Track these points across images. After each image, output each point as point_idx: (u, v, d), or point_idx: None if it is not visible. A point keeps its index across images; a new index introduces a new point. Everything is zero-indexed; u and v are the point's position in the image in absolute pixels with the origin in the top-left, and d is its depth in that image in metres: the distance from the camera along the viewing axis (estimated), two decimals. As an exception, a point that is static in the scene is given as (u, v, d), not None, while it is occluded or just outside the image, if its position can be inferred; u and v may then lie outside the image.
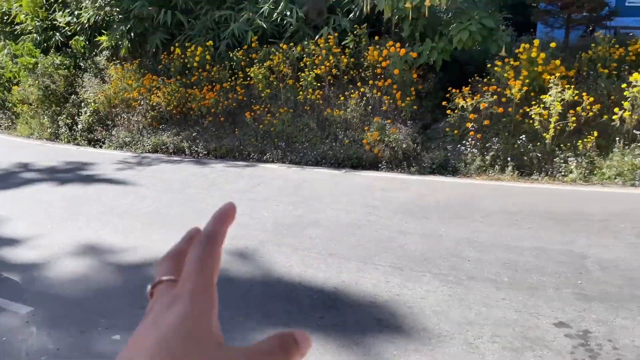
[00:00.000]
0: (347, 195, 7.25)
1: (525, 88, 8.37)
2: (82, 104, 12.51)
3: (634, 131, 7.80)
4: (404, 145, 8.85)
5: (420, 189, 7.55)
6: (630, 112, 7.75)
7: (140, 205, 7.15)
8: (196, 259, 0.42)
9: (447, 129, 9.07)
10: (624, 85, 7.98)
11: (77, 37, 13.89)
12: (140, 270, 5.12)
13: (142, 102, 11.50)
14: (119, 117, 11.85)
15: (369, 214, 6.45)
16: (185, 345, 0.37)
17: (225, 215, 0.45)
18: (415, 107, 9.49)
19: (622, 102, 7.88)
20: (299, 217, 6.41)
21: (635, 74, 7.85)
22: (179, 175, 8.80)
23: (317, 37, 10.62)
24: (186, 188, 7.92)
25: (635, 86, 7.77)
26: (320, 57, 10.21)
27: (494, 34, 9.30)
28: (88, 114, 12.15)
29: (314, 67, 10.23)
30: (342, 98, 9.92)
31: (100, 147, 11.74)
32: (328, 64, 10.15)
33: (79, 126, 12.29)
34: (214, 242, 0.44)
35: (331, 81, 10.36)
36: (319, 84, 10.21)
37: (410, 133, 9.11)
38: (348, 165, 9.05)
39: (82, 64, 13.61)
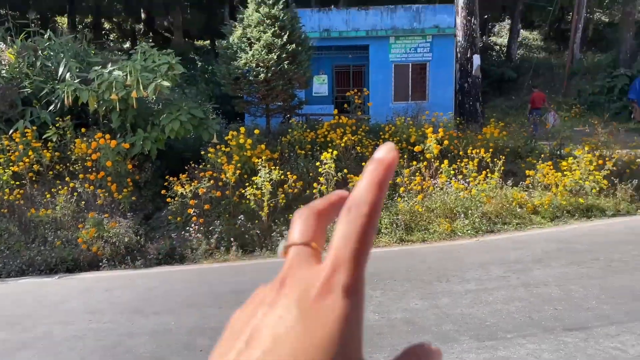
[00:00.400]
0: (63, 304, 6.40)
1: (238, 171, 8.98)
2: None
3: (331, 201, 9.05)
4: (126, 239, 8.39)
5: (148, 282, 7.18)
6: (325, 186, 9.02)
7: None
8: (350, 239, 0.34)
9: (170, 217, 8.99)
10: (317, 164, 9.29)
11: None
12: None
13: None
14: None
15: (90, 321, 5.79)
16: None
17: (385, 172, 0.35)
18: (134, 197, 9.18)
19: (319, 177, 9.14)
20: (1, 343, 5.33)
21: (325, 153, 9.24)
22: None
23: (11, 131, 9.47)
24: None
25: (326, 163, 9.12)
26: (17, 153, 9.09)
27: (205, 123, 9.83)
28: None
29: (10, 164, 9.04)
30: (48, 196, 8.94)
31: None
32: (27, 160, 9.10)
33: None
34: (370, 217, 0.34)
35: (34, 178, 9.28)
36: (18, 183, 9.02)
37: (131, 225, 8.71)
38: (62, 270, 8.05)
39: None
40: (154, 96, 9.56)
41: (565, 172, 9.59)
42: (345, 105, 12.84)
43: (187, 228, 8.53)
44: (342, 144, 10.10)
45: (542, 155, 10.98)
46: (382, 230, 8.63)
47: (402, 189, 9.21)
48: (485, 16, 26.35)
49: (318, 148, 10.03)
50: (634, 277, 6.24)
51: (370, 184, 0.36)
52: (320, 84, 17.90)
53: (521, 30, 29.15)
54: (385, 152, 0.37)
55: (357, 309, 0.33)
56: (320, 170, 9.16)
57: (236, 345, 0.34)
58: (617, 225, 8.84)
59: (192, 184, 8.82)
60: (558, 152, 11.70)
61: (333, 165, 9.11)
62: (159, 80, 9.01)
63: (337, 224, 0.36)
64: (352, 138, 10.31)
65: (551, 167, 9.83)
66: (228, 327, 0.37)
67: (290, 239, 0.39)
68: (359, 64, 17.97)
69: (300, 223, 0.39)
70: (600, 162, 9.84)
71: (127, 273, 7.83)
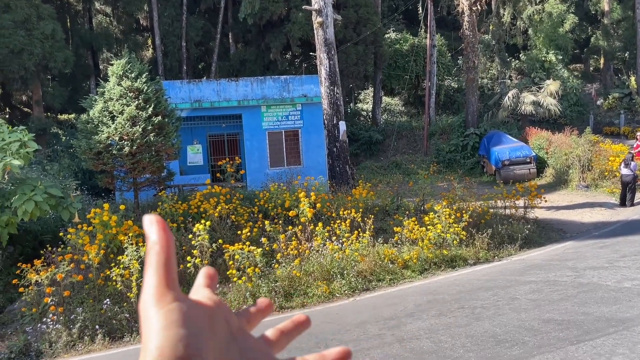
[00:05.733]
0: None
1: (102, 251, 8.39)
2: None
3: (207, 274, 8.75)
4: (-31, 341, 7.32)
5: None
6: (200, 259, 8.73)
7: None
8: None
9: (23, 309, 8.05)
10: (190, 236, 9.00)
11: None
12: None
13: None
14: None
15: None
16: None
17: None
18: (-21, 291, 8.12)
19: (192, 250, 8.84)
20: None
21: (198, 225, 9.00)
22: None
23: None
24: None
25: (199, 235, 8.87)
26: None
27: (64, 201, 9.15)
28: None
29: None
30: None
31: None
32: None
33: None
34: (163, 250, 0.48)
35: None
36: None
37: (-25, 324, 7.65)
38: None
39: None
40: (4, 177, 8.75)
41: (428, 227, 10.27)
42: (218, 175, 12.76)
43: (45, 319, 7.68)
44: (217, 214, 9.94)
45: (407, 212, 11.69)
46: (261, 300, 8.46)
47: (278, 255, 9.20)
48: (350, 85, 28.29)
49: (191, 220, 9.76)
50: (494, 322, 6.72)
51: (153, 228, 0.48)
52: (195, 154, 17.71)
53: (383, 96, 31.67)
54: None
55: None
56: (193, 242, 8.87)
57: None
58: (478, 273, 9.57)
59: (49, 269, 8.05)
60: (421, 208, 12.56)
61: (207, 236, 8.89)
62: (9, 160, 8.29)
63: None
64: (227, 207, 10.20)
65: (416, 222, 10.49)
66: None
67: None
68: (233, 132, 18.15)
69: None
70: (458, 214, 10.71)
71: (-32, 381, 6.78)
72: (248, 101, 16.54)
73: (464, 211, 11.01)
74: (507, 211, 12.41)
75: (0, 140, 8.81)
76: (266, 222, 9.88)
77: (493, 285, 8.52)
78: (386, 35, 30.06)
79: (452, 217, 10.48)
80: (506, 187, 14.02)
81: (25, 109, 26.56)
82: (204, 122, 17.37)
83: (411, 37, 30.81)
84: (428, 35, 25.66)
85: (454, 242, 10.13)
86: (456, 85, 32.14)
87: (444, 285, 9.00)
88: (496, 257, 10.51)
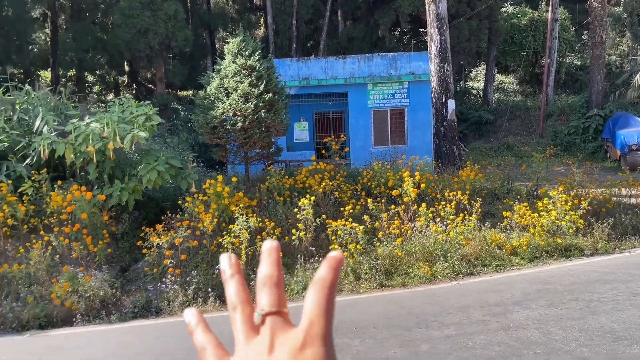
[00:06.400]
0: (31, 365, 6.18)
1: (215, 220, 8.92)
2: None
3: (310, 247, 9.02)
4: (101, 293, 8.19)
5: (122, 338, 6.99)
6: (304, 232, 8.99)
7: None
8: (319, 304, 0.48)
9: (146, 269, 8.84)
10: (295, 210, 9.28)
11: None
12: None
13: None
14: None
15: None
16: None
17: (337, 262, 0.50)
18: (109, 250, 9.05)
19: (297, 224, 9.12)
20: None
21: (303, 199, 9.25)
22: None
23: (-15, 185, 9.38)
24: None
25: (304, 209, 9.12)
26: (-10, 208, 8.98)
27: (183, 172, 9.84)
28: None
29: (-16, 219, 8.90)
30: (22, 250, 8.77)
31: None
32: (1, 214, 8.97)
33: None
34: (331, 289, 0.49)
35: (7, 233, 9.13)
36: (-9, 238, 8.86)
37: (107, 278, 8.51)
38: (34, 327, 7.81)
39: None
40: (132, 147, 9.59)
41: (541, 213, 9.68)
42: (323, 151, 12.95)
43: (164, 279, 8.38)
44: (321, 190, 10.13)
45: (519, 197, 11.10)
46: (362, 276, 8.56)
47: (380, 233, 9.20)
48: (461, 62, 27.17)
49: (297, 194, 10.05)
50: (612, 318, 6.23)
51: (330, 267, 0.51)
52: (301, 131, 18.13)
53: (496, 74, 30.05)
54: (337, 253, 0.52)
55: (331, 355, 0.47)
56: (298, 216, 9.15)
57: None
58: (595, 265, 8.88)
59: (169, 234, 8.74)
60: (534, 193, 11.85)
61: (311, 211, 9.11)
62: (136, 131, 9.06)
63: (307, 294, 0.50)
64: (331, 183, 10.36)
65: (527, 207, 9.93)
66: None
67: (267, 308, 0.51)
68: (339, 110, 18.28)
69: (269, 292, 0.51)
70: (576, 201, 9.97)
71: (100, 329, 7.61)
72: (354, 79, 16.52)
73: (582, 198, 10.23)
74: (633, 200, 11.33)
75: (129, 113, 9.64)
76: (369, 200, 9.90)
77: (612, 279, 7.87)
78: (502, 9, 28.36)
79: (569, 203, 9.78)
80: (632, 174, 12.76)
81: (150, 86, 28.73)
82: (310, 100, 17.67)
83: (530, 11, 28.77)
84: (550, 8, 23.78)
85: (570, 230, 9.47)
86: (579, 63, 29.61)
87: (556, 275, 8.47)
88: (617, 249, 9.68)
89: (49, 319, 7.93)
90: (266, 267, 0.53)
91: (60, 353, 6.55)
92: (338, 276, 0.50)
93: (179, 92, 30.86)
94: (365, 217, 9.40)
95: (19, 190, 9.36)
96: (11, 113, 10.52)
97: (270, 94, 10.06)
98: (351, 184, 11.03)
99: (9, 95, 10.84)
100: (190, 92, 29.26)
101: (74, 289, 8.13)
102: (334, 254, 0.52)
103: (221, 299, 8.20)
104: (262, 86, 9.96)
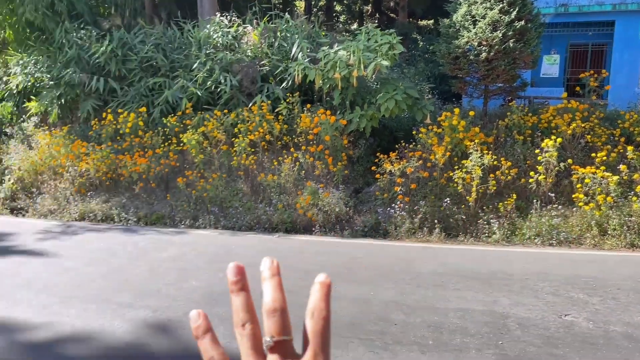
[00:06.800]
0: (280, 260, 7.15)
1: (448, 153, 8.80)
2: (6, 171, 11.96)
3: (549, 193, 8.30)
4: (337, 209, 8.97)
5: (352, 252, 7.60)
6: (544, 176, 8.28)
7: (60, 278, 6.76)
8: (321, 335, 0.52)
9: (377, 193, 9.31)
10: (537, 151, 8.55)
11: (3, 103, 13.47)
12: (52, 347, 4.76)
13: (69, 169, 11.14)
14: (45, 185, 11.38)
15: (300, 279, 6.38)
16: None
17: (328, 289, 0.54)
18: (346, 171, 9.73)
19: (537, 166, 8.43)
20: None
21: (547, 140, 8.45)
22: (105, 244, 8.45)
23: (250, 104, 10.84)
24: (111, 258, 7.59)
25: (547, 151, 8.35)
26: (253, 124, 10.38)
27: (419, 103, 9.84)
28: (12, 181, 11.61)
29: (248, 133, 10.37)
30: (275, 163, 10.04)
31: (23, 215, 11.15)
32: (262, 130, 10.32)
33: (0, 194, 11.67)
34: (328, 319, 0.53)
35: (265, 147, 10.50)
36: (252, 150, 10.31)
37: (342, 197, 9.26)
38: (282, 230, 9.03)
39: (7, 131, 13.14)
40: (373, 76, 9.91)
41: None
42: (577, 88, 11.46)
43: (393, 205, 8.73)
44: (569, 131, 9.09)
45: None
46: (609, 232, 7.61)
47: (638, 187, 7.93)
48: None
49: (539, 134, 9.21)
50: None
51: (324, 295, 0.54)
52: (551, 65, 16.29)
53: None
54: (324, 276, 0.55)
55: None
56: (539, 158, 8.43)
57: None
58: None
59: (401, 162, 8.96)
60: None
61: (555, 153, 8.31)
62: (379, 60, 9.27)
63: (307, 325, 0.53)
64: (582, 125, 9.19)
65: None
66: None
67: (276, 335, 0.52)
68: (600, 41, 15.81)
69: (279, 318, 0.53)
70: None
71: (335, 240, 8.39)
72: (626, 5, 13.96)
73: None
74: None
75: (373, 42, 9.88)
76: (629, 147, 8.55)
77: None
78: None
79: None
80: None
81: (392, 15, 28.91)
82: (566, 30, 15.62)
83: None
84: None
85: None
86: None
87: None
88: None
89: (293, 225, 9.05)
90: (273, 290, 0.54)
91: (301, 256, 7.44)
92: (329, 304, 0.53)
93: (419, 22, 30.42)
94: (622, 166, 8.18)
95: (276, 111, 10.59)
96: (273, 40, 11.75)
97: (522, 22, 9.16)
98: (608, 127, 9.62)
99: (271, 24, 12.08)
100: (431, 22, 28.58)
101: (315, 202, 9.05)
102: (322, 278, 0.54)
103: (446, 232, 8.23)
104: (514, 13, 9.11)
